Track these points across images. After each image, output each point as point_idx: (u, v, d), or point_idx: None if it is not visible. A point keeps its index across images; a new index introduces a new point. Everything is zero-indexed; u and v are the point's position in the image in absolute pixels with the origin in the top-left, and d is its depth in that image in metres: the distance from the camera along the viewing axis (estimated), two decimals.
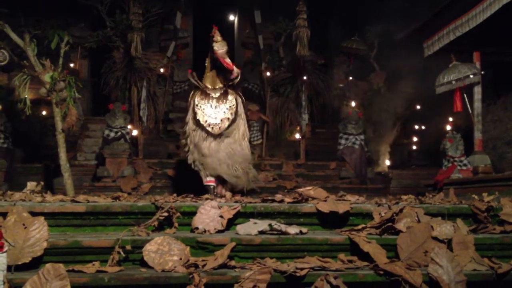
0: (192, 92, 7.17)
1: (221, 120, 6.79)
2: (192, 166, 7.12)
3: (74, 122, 6.82)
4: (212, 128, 6.78)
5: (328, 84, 14.17)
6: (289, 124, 13.49)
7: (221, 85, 7.00)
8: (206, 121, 6.79)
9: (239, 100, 7.08)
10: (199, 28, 15.99)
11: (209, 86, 6.98)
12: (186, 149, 7.20)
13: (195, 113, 6.84)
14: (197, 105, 6.86)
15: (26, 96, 6.66)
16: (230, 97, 6.92)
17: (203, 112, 6.80)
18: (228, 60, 6.97)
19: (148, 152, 11.74)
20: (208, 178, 7.04)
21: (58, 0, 13.29)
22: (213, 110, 6.81)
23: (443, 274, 3.26)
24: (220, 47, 6.99)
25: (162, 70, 13.76)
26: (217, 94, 6.88)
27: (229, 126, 6.82)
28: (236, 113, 6.89)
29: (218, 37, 7.14)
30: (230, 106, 6.86)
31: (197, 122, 6.83)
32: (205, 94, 6.89)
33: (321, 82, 13.76)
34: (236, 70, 7.10)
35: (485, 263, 3.49)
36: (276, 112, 13.65)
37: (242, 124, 7.06)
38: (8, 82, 12.81)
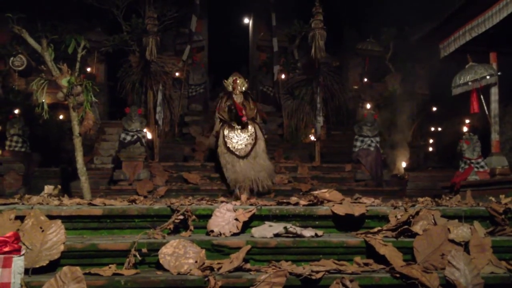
0: (221, 124, 9.53)
1: (245, 145, 9.19)
2: (230, 176, 9.15)
3: (91, 126, 6.87)
4: (239, 152, 9.16)
5: (343, 86, 14.13)
6: (304, 127, 13.46)
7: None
8: (234, 147, 9.18)
9: (257, 127, 9.45)
10: (214, 32, 16.06)
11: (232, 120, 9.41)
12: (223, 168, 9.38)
13: (225, 142, 9.21)
14: (226, 136, 9.26)
15: (43, 100, 6.72)
16: (249, 127, 9.32)
17: (231, 141, 9.23)
18: (242, 111, 9.21)
19: (163, 155, 11.79)
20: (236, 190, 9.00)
21: (75, 5, 13.42)
22: (238, 138, 9.22)
23: (460, 277, 3.23)
24: (238, 99, 9.63)
25: (177, 73, 13.82)
26: (240, 126, 9.29)
27: (252, 148, 9.17)
28: (256, 137, 9.26)
29: (237, 91, 9.76)
30: (250, 134, 9.25)
31: (227, 149, 9.18)
32: (231, 127, 9.34)
33: (336, 84, 13.71)
34: (259, 117, 9.73)
35: (502, 266, 3.45)
36: (291, 114, 13.63)
37: (261, 143, 9.35)
38: (26, 87, 12.98)
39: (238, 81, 9.91)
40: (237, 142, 9.20)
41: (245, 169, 9.02)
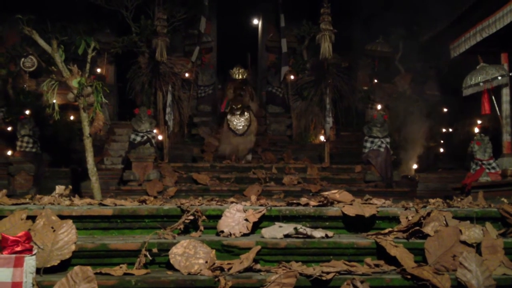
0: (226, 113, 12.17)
1: (242, 126, 11.99)
2: (223, 149, 12.00)
3: (101, 127, 6.91)
4: (238, 131, 11.93)
5: (353, 87, 14.10)
6: (313, 128, 13.45)
7: (239, 106, 12.04)
8: (234, 127, 11.95)
9: (251, 112, 12.24)
10: (223, 33, 16.08)
11: (234, 107, 12.05)
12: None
13: (228, 124, 12.00)
14: (229, 119, 12.02)
15: (54, 101, 6.76)
16: (245, 113, 12.10)
17: (232, 123, 11.98)
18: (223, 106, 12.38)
19: (173, 156, 11.83)
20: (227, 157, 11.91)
21: (84, 6, 13.49)
22: (237, 122, 12.01)
23: (472, 278, 3.21)
24: (239, 84, 12.26)
25: (186, 74, 13.86)
26: (238, 112, 12.04)
27: (246, 129, 11.98)
28: (250, 121, 12.08)
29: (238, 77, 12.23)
30: (245, 118, 12.07)
31: (229, 128, 11.96)
32: (232, 113, 12.03)
33: (345, 85, 13.69)
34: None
35: None
36: (300, 115, 13.64)
37: (254, 124, 12.20)
38: (36, 88, 13.06)
39: (240, 70, 12.22)
40: (236, 123, 11.96)
41: (238, 143, 11.95)
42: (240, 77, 12.17)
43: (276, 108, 14.32)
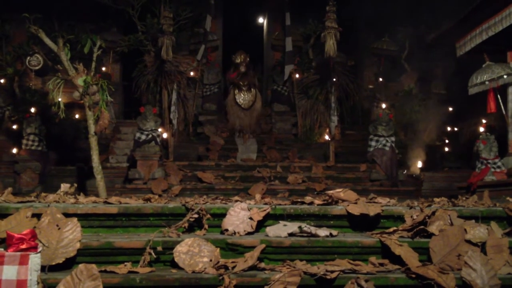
0: (232, 86, 13.35)
1: (248, 101, 13.11)
2: (233, 123, 13.12)
3: (107, 125, 6.92)
4: (244, 105, 13.08)
5: (358, 86, 14.05)
6: (318, 126, 13.42)
7: (246, 83, 13.13)
8: (241, 102, 13.08)
9: (256, 90, 13.36)
10: (228, 31, 16.08)
11: (241, 83, 13.12)
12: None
13: (235, 99, 13.10)
14: (236, 95, 13.12)
15: (59, 99, 6.78)
16: (252, 89, 13.20)
17: (239, 98, 13.09)
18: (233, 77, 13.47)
19: (178, 155, 11.83)
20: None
21: (91, 5, 13.52)
22: (243, 97, 13.12)
23: (476, 278, 3.20)
24: (242, 68, 13.37)
25: (192, 73, 13.85)
26: (245, 88, 13.13)
27: (252, 104, 13.10)
28: (255, 96, 13.20)
29: (243, 63, 13.41)
30: (251, 94, 13.17)
31: (236, 103, 13.07)
32: (240, 89, 13.14)
33: (350, 84, 13.64)
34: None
35: None
36: (306, 114, 13.60)
37: (259, 102, 13.33)
38: (42, 86, 13.11)
39: (242, 56, 13.37)
40: (243, 99, 13.09)
41: (245, 116, 13.08)
42: (241, 60, 13.34)
43: (281, 107, 14.29)
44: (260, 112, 13.58)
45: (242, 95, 13.10)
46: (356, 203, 4.08)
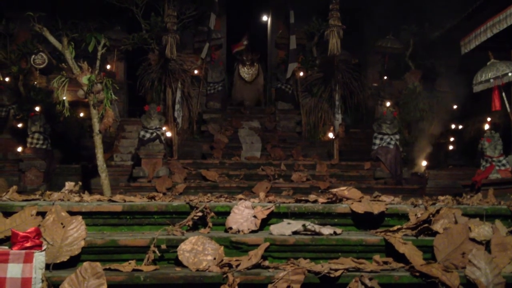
0: (237, 63, 14.87)
1: (251, 75, 14.57)
2: (235, 97, 14.83)
3: (111, 124, 6.95)
4: (247, 79, 14.56)
5: (362, 84, 14.00)
6: (322, 124, 13.40)
7: (250, 57, 14.59)
8: (244, 76, 14.54)
9: (259, 66, 14.80)
10: (232, 29, 16.07)
11: (245, 58, 14.61)
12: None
13: (239, 73, 14.58)
14: (240, 69, 14.62)
15: (64, 98, 6.81)
16: (255, 64, 14.65)
17: (243, 72, 14.56)
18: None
19: (182, 153, 11.84)
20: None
21: (95, 3, 13.54)
22: (247, 71, 14.62)
23: (481, 276, 3.19)
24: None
25: (196, 71, 13.85)
26: (249, 63, 14.59)
27: (255, 78, 14.59)
28: (258, 71, 14.68)
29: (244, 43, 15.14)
30: (255, 69, 14.61)
31: (240, 77, 14.57)
32: (243, 64, 14.63)
33: (355, 82, 13.59)
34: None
35: None
36: (310, 112, 13.58)
37: (261, 76, 14.83)
38: (47, 85, 13.13)
39: (244, 42, 15.00)
40: (247, 73, 14.57)
41: (248, 90, 14.59)
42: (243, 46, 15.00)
43: (285, 105, 14.27)
44: (263, 85, 14.99)
45: (246, 69, 14.59)
46: (360, 201, 4.08)
